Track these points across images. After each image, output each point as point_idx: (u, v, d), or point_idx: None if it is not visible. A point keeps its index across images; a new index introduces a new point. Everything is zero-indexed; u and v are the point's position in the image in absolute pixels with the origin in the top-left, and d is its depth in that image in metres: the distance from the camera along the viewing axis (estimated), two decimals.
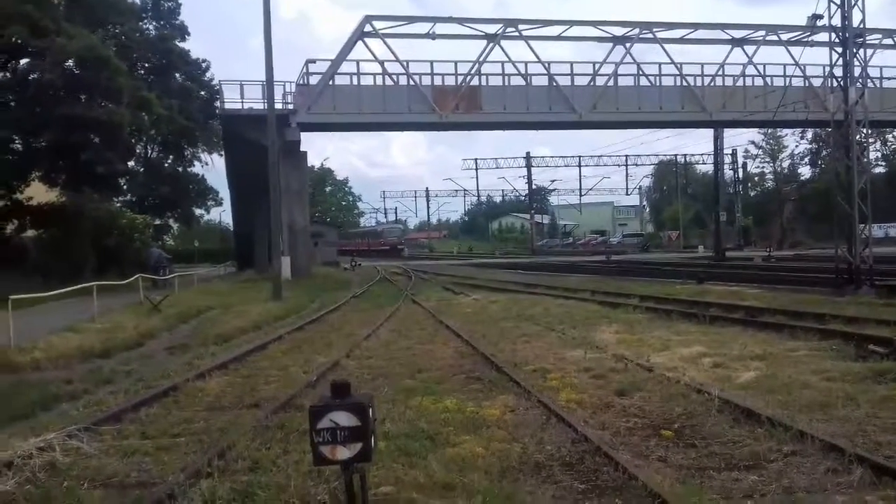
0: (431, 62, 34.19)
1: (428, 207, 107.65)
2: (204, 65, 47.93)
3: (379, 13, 33.94)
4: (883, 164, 74.69)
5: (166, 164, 49.16)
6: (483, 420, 6.71)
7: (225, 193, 49.44)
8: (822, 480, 4.94)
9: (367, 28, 32.77)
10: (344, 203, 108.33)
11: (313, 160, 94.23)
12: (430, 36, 33.38)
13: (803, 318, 13.19)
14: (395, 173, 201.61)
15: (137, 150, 43.31)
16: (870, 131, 27.23)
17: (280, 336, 13.54)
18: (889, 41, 34.05)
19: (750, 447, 5.69)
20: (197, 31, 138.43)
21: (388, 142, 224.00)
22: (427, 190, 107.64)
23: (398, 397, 7.71)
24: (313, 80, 32.89)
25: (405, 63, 33.48)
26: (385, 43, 33.01)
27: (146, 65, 44.24)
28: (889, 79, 36.90)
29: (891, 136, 74.93)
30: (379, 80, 33.61)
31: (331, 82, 32.84)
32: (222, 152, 43.72)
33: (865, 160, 22.26)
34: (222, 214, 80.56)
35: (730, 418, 6.52)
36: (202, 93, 46.76)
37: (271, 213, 25.49)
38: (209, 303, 20.68)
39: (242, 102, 32.08)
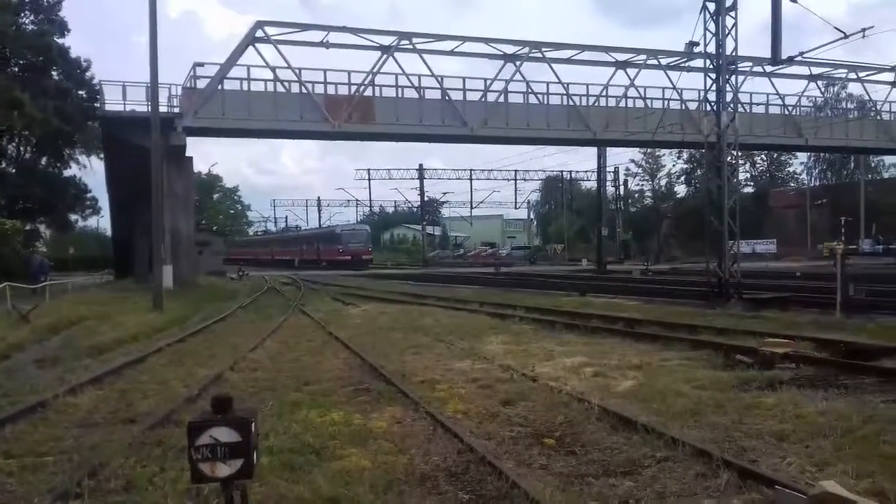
0: (324, 71, 33.97)
1: (319, 217, 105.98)
2: (84, 63, 45.68)
3: (271, 18, 33.08)
4: (751, 184, 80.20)
5: (40, 166, 46.36)
6: (370, 432, 6.70)
7: (104, 198, 47.23)
8: (692, 485, 5.20)
9: (259, 34, 32.17)
10: (232, 211, 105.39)
11: (200, 166, 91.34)
12: (324, 45, 33.12)
13: (677, 329, 13.88)
14: (286, 181, 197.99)
15: (10, 151, 40.70)
16: (739, 153, 29.02)
17: (160, 348, 12.99)
18: (759, 69, 36.42)
19: (626, 453, 5.94)
20: (78, 26, 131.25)
21: (278, 149, 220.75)
22: (319, 199, 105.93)
23: (284, 411, 7.57)
24: (201, 83, 31.96)
25: (297, 71, 33.07)
26: (277, 49, 32.53)
27: (21, 61, 41.70)
28: (758, 104, 39.65)
29: (759, 158, 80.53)
30: (270, 87, 33.05)
31: (220, 87, 32.01)
32: (102, 155, 41.72)
33: (735, 180, 23.68)
34: (100, 220, 76.65)
35: (608, 426, 6.78)
36: (81, 92, 44.48)
37: (153, 219, 24.49)
38: (84, 313, 19.57)
39: (125, 104, 30.77)
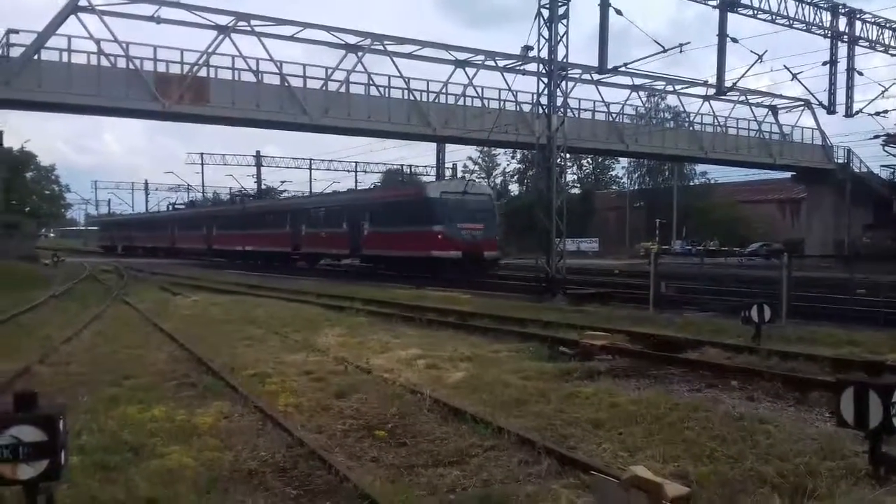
0: (155, 47, 31.96)
1: (147, 201, 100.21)
2: None
3: None
4: (578, 185, 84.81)
5: None
6: (195, 428, 6.43)
7: None
8: (516, 472, 5.39)
9: (83, 2, 29.82)
10: (48, 192, 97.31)
11: (11, 141, 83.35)
12: (155, 19, 31.23)
13: (506, 322, 14.38)
14: (108, 162, 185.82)
15: None
16: (568, 156, 30.58)
17: None
18: (587, 76, 38.42)
19: (455, 443, 6.08)
20: None
21: (100, 127, 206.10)
22: (146, 182, 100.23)
23: (99, 407, 7.10)
24: (15, 52, 29.22)
25: (125, 45, 30.98)
26: (102, 20, 30.27)
27: None
28: (585, 110, 41.83)
29: (585, 161, 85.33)
30: (94, 60, 30.77)
31: (36, 56, 29.39)
32: None
33: (563, 181, 24.94)
34: None
35: (439, 417, 6.92)
36: None
37: None
38: None
39: None
